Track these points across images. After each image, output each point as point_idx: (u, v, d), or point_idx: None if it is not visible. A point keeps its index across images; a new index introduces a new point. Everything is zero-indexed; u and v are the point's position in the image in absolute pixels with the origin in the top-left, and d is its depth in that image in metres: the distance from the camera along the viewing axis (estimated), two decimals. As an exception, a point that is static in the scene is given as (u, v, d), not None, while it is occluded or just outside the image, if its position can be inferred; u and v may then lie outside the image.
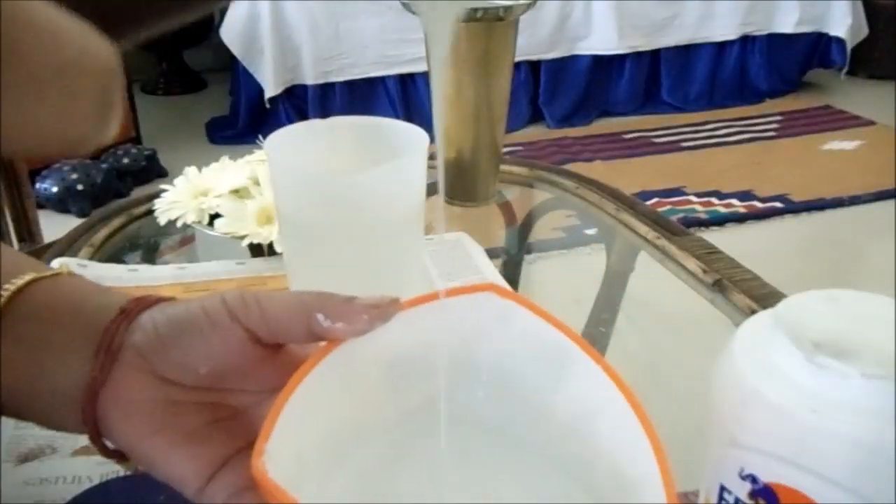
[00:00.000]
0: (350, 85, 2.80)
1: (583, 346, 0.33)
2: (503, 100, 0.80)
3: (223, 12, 2.82)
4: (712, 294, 0.66)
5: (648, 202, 1.93)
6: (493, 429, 0.35)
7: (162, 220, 0.67)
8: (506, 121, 0.82)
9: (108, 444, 0.33)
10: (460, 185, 0.83)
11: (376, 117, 0.50)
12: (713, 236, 0.95)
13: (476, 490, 0.34)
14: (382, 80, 2.83)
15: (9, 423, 0.49)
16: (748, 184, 2.44)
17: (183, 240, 0.78)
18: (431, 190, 0.50)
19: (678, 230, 0.77)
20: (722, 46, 3.10)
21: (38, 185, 2.28)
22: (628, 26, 2.93)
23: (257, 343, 0.33)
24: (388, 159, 0.46)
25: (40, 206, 2.05)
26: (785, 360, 0.28)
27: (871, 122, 2.94)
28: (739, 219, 2.27)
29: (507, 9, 0.74)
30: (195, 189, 0.67)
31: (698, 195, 2.38)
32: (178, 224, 0.66)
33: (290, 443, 0.28)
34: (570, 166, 2.37)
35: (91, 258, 0.72)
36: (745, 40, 3.12)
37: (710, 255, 0.71)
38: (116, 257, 0.75)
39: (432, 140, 0.38)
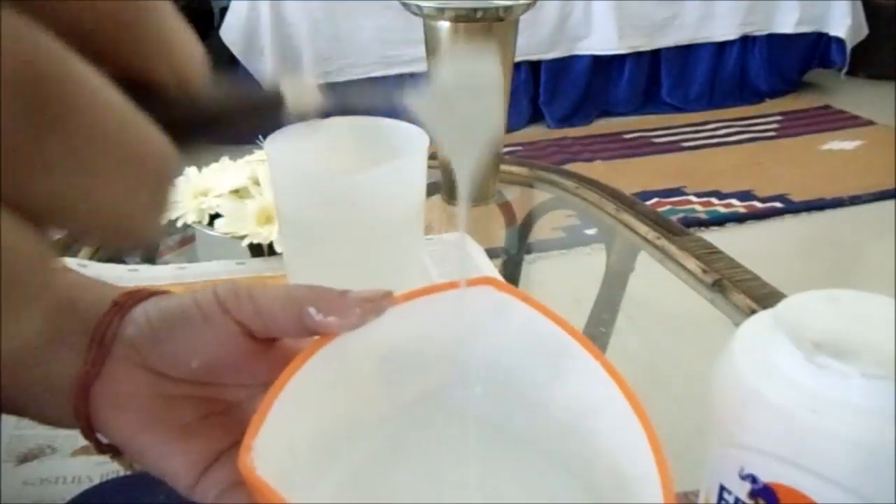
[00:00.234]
0: (350, 85, 2.80)
1: (582, 342, 0.32)
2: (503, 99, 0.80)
3: (223, 12, 2.82)
4: (712, 294, 0.66)
5: (648, 202, 1.93)
6: (491, 425, 0.35)
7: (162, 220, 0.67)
8: (506, 121, 0.82)
9: (102, 438, 0.33)
10: (460, 185, 0.82)
11: (376, 117, 0.50)
12: (713, 236, 0.95)
13: (473, 487, 0.34)
14: (382, 80, 2.83)
15: (9, 423, 0.49)
16: (748, 184, 2.44)
17: (183, 240, 0.78)
18: (431, 190, 0.50)
19: (678, 230, 0.77)
20: (722, 46, 3.10)
21: (38, 185, 2.27)
22: (628, 26, 2.93)
23: (250, 337, 0.32)
24: (388, 159, 0.46)
25: (40, 206, 2.05)
26: (785, 360, 0.28)
27: (870, 122, 2.94)
28: (739, 219, 2.27)
29: (507, 9, 0.74)
30: (195, 189, 0.67)
31: (698, 195, 2.38)
32: (179, 224, 0.66)
33: (282, 438, 0.28)
34: (570, 166, 2.38)
35: (91, 258, 0.72)
36: (745, 40, 3.12)
37: (710, 255, 0.71)
38: (116, 257, 0.75)
39: (432, 140, 0.38)
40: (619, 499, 0.30)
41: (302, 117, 0.21)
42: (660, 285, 0.71)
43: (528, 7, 0.76)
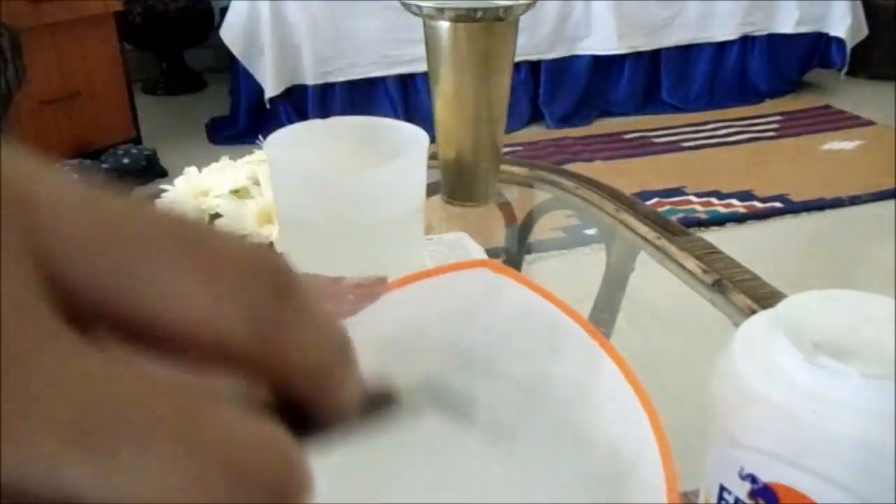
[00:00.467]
0: (350, 85, 2.80)
1: (580, 322, 0.32)
2: (503, 100, 0.80)
3: (223, 12, 2.82)
4: (712, 294, 0.66)
5: (648, 202, 1.93)
6: (487, 410, 0.34)
7: (162, 220, 0.67)
8: (506, 121, 0.82)
9: None
10: (460, 185, 0.83)
11: (376, 117, 0.50)
12: (713, 236, 0.95)
13: (469, 476, 0.34)
14: (382, 80, 2.83)
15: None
16: (748, 184, 2.44)
17: (183, 240, 0.77)
18: (431, 190, 0.50)
19: (678, 230, 0.77)
20: (722, 46, 3.10)
21: (38, 185, 2.27)
22: (628, 26, 2.93)
23: None
24: (388, 159, 0.46)
25: (40, 206, 2.05)
26: (785, 360, 0.28)
27: (870, 123, 2.94)
28: (739, 219, 2.27)
29: (507, 9, 0.74)
30: (195, 189, 0.67)
31: (698, 195, 2.38)
32: (178, 224, 0.66)
33: None
34: (570, 166, 2.37)
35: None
36: (745, 40, 3.12)
37: (709, 255, 0.71)
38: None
39: (432, 140, 0.38)
40: (617, 482, 0.29)
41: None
42: (660, 285, 0.71)
43: (528, 7, 0.76)
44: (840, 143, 2.78)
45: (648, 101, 3.11)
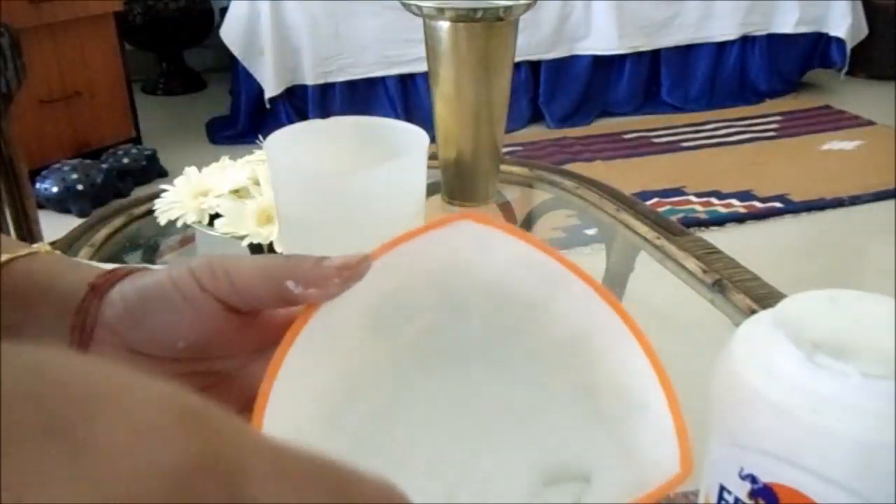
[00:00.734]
0: (350, 85, 2.80)
1: (570, 267, 0.32)
2: (503, 100, 0.80)
3: (223, 12, 2.82)
4: (712, 294, 0.66)
5: (648, 202, 1.93)
6: (490, 362, 0.34)
7: (162, 221, 0.67)
8: (506, 121, 0.82)
9: None
10: (460, 185, 0.83)
11: (376, 117, 0.50)
12: (713, 236, 0.95)
13: (475, 429, 0.34)
14: (382, 80, 2.83)
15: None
16: (748, 184, 2.44)
17: (183, 240, 0.78)
18: (431, 190, 0.50)
19: (678, 230, 0.77)
20: (722, 46, 3.10)
21: (38, 185, 2.27)
22: (628, 26, 2.93)
23: (232, 311, 0.32)
24: (388, 159, 0.46)
25: (40, 206, 2.06)
26: (785, 360, 0.28)
27: (870, 123, 2.94)
28: (739, 219, 2.27)
29: (507, 9, 0.74)
30: (195, 189, 0.67)
31: (698, 195, 2.38)
32: (179, 224, 0.66)
33: (287, 420, 0.28)
34: (570, 166, 2.37)
35: (91, 258, 0.72)
36: (745, 40, 3.12)
37: (709, 255, 0.71)
38: (117, 257, 0.75)
39: (432, 140, 0.38)
40: (625, 423, 0.29)
41: None
42: (660, 285, 0.71)
43: (528, 7, 0.76)
44: (840, 143, 2.78)
45: (648, 101, 3.11)
